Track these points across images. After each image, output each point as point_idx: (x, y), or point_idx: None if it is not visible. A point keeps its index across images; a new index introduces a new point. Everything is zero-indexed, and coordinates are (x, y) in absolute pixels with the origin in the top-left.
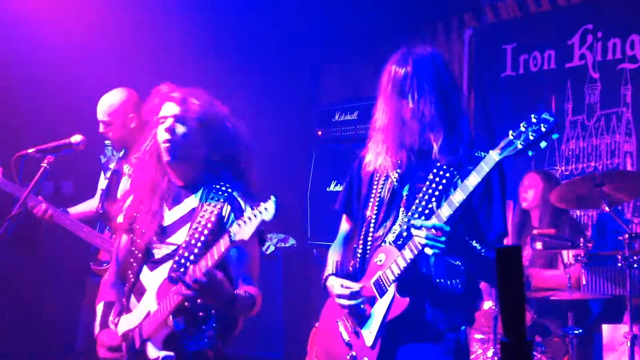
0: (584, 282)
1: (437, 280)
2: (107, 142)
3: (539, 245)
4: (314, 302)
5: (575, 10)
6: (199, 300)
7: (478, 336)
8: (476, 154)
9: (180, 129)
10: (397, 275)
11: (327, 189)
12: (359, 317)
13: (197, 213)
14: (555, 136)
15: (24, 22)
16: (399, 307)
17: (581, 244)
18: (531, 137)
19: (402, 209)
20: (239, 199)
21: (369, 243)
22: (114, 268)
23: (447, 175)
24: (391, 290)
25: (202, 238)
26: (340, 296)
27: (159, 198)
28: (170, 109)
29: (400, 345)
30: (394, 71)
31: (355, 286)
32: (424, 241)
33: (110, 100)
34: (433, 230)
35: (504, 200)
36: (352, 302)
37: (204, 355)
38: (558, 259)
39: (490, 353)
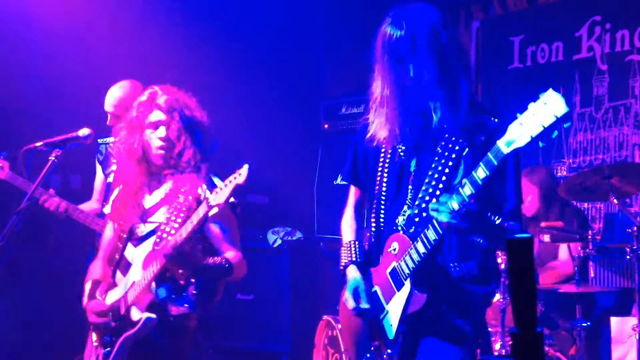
0: (592, 275)
1: (451, 264)
2: (100, 140)
3: (546, 238)
4: (321, 295)
5: (583, 2)
6: (179, 271)
7: None
8: (489, 119)
9: (171, 135)
10: (411, 269)
11: (334, 182)
12: (374, 313)
13: (176, 194)
14: (566, 125)
15: (32, 17)
16: (417, 303)
17: (589, 236)
18: (542, 124)
19: (410, 187)
20: (214, 178)
21: (382, 222)
22: (101, 253)
23: (457, 148)
24: (407, 284)
25: (182, 214)
26: (348, 305)
27: (140, 187)
28: (159, 116)
29: (421, 338)
30: (388, 35)
31: (364, 304)
32: (445, 219)
33: (117, 93)
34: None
35: (518, 170)
36: (356, 316)
37: (185, 318)
38: (557, 251)
39: (497, 346)
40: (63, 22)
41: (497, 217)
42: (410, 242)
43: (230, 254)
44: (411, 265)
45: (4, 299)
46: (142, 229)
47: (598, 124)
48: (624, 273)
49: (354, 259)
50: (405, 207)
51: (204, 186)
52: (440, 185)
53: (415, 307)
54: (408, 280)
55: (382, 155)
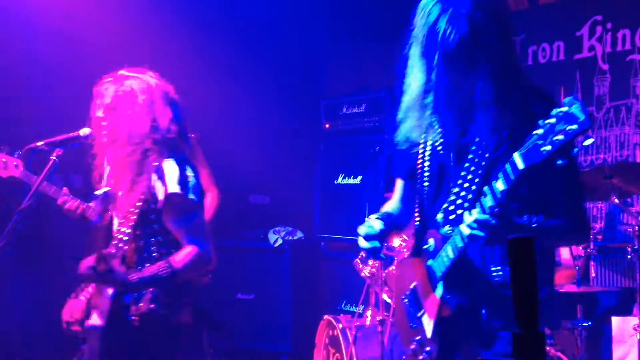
0: (594, 275)
1: (492, 268)
2: None
3: None
4: (321, 295)
5: (584, 1)
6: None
7: None
8: (540, 109)
9: (105, 113)
10: (443, 273)
11: (335, 182)
12: (416, 304)
13: (134, 186)
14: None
15: (33, 16)
16: (448, 308)
17: (591, 236)
18: (557, 140)
19: (449, 183)
20: (165, 167)
21: (424, 218)
22: None
23: (496, 138)
24: (440, 287)
25: (136, 210)
26: (360, 235)
27: (113, 178)
28: (98, 95)
29: (457, 341)
30: (441, 33)
31: (377, 225)
32: (467, 231)
33: None
34: (476, 224)
35: (569, 169)
36: (368, 245)
37: (147, 316)
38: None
39: None
40: (65, 21)
41: (536, 218)
42: (442, 243)
43: (185, 250)
44: (442, 268)
45: (5, 299)
46: (116, 226)
47: (599, 124)
48: (625, 273)
49: (374, 216)
50: (446, 204)
51: (154, 176)
52: (477, 180)
53: (446, 312)
54: (440, 283)
55: (421, 148)
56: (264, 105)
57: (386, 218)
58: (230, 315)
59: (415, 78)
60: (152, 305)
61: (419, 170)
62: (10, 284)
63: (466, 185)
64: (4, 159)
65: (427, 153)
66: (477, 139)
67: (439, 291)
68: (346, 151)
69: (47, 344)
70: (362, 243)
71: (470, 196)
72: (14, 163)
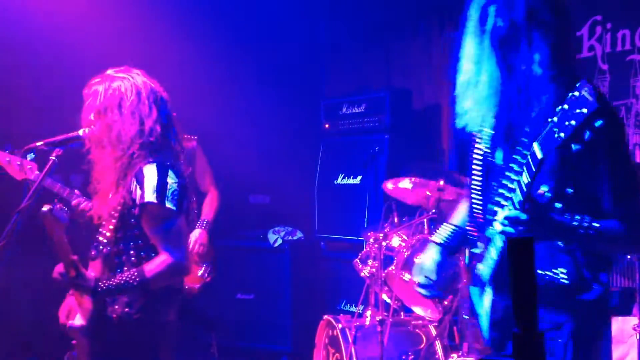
0: None
1: (538, 271)
2: None
3: None
4: (321, 294)
5: (584, 1)
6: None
7: None
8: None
9: (94, 115)
10: (490, 276)
11: (335, 182)
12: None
13: (117, 189)
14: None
15: (33, 15)
16: (498, 312)
17: None
18: (570, 125)
19: (494, 183)
20: (145, 173)
21: (477, 218)
22: None
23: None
24: (489, 291)
25: (116, 214)
26: (418, 284)
27: (107, 179)
28: (86, 97)
29: (509, 343)
30: (493, 20)
31: (432, 275)
32: (499, 228)
33: None
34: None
35: (614, 157)
36: (427, 294)
37: (123, 319)
38: None
39: None
40: (65, 20)
41: (580, 217)
42: (487, 245)
43: (158, 259)
44: (489, 271)
45: (5, 299)
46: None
47: None
48: (625, 273)
49: (437, 240)
50: (490, 205)
51: (134, 180)
52: (519, 178)
53: (497, 316)
54: (489, 286)
55: (476, 143)
56: (264, 106)
57: (450, 241)
58: (230, 315)
59: (468, 59)
60: (127, 309)
61: (472, 163)
62: (10, 284)
63: (510, 185)
64: (18, 162)
65: (479, 152)
66: (523, 138)
67: (489, 294)
68: (346, 151)
69: (47, 344)
70: (421, 291)
71: (513, 194)
72: (29, 166)
